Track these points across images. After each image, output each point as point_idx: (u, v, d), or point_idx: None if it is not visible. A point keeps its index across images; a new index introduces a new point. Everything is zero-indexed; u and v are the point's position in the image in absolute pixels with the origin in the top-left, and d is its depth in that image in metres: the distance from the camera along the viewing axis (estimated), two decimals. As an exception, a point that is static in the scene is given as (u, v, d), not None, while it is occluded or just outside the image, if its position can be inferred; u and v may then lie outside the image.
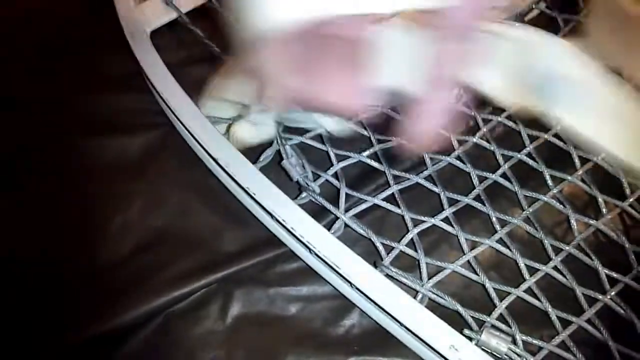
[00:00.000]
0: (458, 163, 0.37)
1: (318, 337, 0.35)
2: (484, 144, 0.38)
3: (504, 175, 0.37)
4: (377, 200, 0.35)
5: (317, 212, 0.36)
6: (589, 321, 0.33)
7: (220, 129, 0.37)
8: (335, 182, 0.36)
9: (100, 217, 0.38)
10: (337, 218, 0.35)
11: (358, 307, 0.35)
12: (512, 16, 0.42)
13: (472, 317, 0.33)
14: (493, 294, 0.33)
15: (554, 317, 0.33)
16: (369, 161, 0.37)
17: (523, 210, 0.36)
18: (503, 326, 0.32)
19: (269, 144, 0.37)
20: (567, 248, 0.35)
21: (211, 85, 0.37)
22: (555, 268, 0.34)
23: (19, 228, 0.38)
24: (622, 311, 0.33)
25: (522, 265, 0.34)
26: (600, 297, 0.33)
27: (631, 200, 0.36)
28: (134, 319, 0.35)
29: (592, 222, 0.35)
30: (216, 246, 0.37)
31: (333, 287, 0.36)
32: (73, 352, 0.34)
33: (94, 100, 0.42)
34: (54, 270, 0.37)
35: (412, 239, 0.35)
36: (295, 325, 0.36)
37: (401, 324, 0.31)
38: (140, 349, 0.35)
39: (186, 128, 0.37)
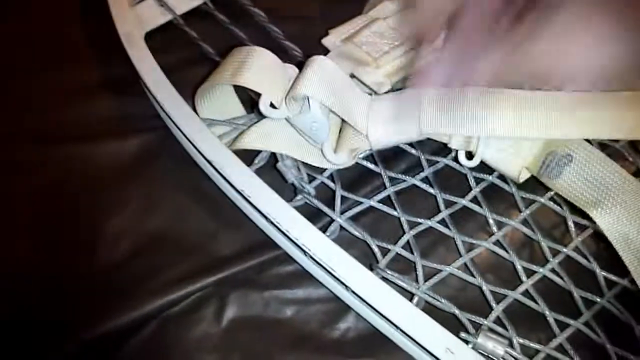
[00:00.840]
0: (455, 165, 0.37)
1: (314, 340, 0.35)
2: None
3: (501, 177, 0.36)
4: (373, 202, 0.35)
5: (313, 215, 0.35)
6: (586, 324, 0.32)
7: (215, 131, 0.37)
8: (330, 184, 0.36)
9: (94, 221, 0.38)
10: (332, 220, 0.35)
11: (354, 310, 0.35)
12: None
13: (468, 319, 0.32)
14: (490, 297, 0.33)
15: (551, 320, 0.32)
16: (364, 163, 0.36)
17: (520, 212, 0.35)
18: (500, 329, 0.32)
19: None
20: (564, 250, 0.34)
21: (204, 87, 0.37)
22: (552, 270, 0.34)
23: (13, 232, 0.38)
24: (620, 314, 0.33)
25: (519, 268, 0.34)
26: (598, 299, 0.33)
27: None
28: (130, 322, 0.35)
29: (589, 224, 0.35)
30: (211, 249, 0.37)
31: (329, 290, 0.36)
32: (69, 356, 0.34)
33: (88, 104, 0.42)
34: (48, 274, 0.36)
35: (408, 241, 0.34)
36: (291, 328, 0.35)
37: (397, 327, 0.31)
38: (136, 352, 0.35)
39: (181, 131, 0.37)
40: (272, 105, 0.34)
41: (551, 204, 0.35)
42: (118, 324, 0.35)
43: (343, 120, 0.35)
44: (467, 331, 0.32)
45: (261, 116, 0.36)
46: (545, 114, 0.32)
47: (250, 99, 0.38)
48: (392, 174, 0.37)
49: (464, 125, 0.33)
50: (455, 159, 0.37)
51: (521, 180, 0.35)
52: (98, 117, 0.42)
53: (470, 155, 0.35)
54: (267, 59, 0.35)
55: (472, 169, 0.36)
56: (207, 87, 0.37)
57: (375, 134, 0.34)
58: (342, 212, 0.35)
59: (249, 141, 0.35)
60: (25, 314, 0.36)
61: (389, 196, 0.36)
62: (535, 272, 0.34)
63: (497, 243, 0.35)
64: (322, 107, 0.33)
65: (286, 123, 0.35)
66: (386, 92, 0.36)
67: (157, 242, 0.37)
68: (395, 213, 0.35)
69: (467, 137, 0.34)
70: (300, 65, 0.35)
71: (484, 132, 0.33)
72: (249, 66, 0.35)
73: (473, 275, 0.34)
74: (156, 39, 0.41)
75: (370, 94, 0.36)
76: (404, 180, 0.36)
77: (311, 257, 0.33)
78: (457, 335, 0.31)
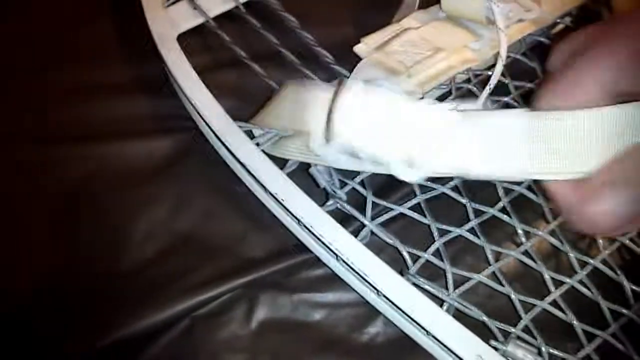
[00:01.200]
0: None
1: (342, 344, 0.35)
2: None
3: (529, 188, 0.37)
4: (404, 209, 0.36)
5: (343, 220, 0.35)
6: (613, 335, 0.33)
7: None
8: (362, 190, 0.36)
9: (125, 221, 0.38)
10: (363, 226, 0.35)
11: (383, 315, 0.35)
12: (539, 30, 0.42)
13: (497, 327, 0.33)
14: (518, 306, 0.33)
15: (579, 330, 0.33)
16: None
17: (549, 223, 0.36)
18: (528, 337, 0.33)
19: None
20: (592, 262, 0.35)
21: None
22: (580, 282, 0.34)
23: (44, 233, 0.38)
24: (646, 326, 0.33)
25: (547, 278, 0.34)
26: (624, 311, 0.34)
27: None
28: (159, 322, 0.35)
29: (618, 237, 0.36)
30: (241, 251, 0.38)
31: (358, 294, 0.36)
32: (98, 356, 0.34)
33: (121, 104, 0.43)
34: (79, 275, 0.37)
35: (437, 248, 0.35)
36: (320, 331, 0.36)
37: (428, 333, 0.32)
38: (165, 352, 0.35)
39: (214, 132, 0.37)
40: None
41: (579, 216, 0.36)
42: (148, 323, 0.35)
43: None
44: (496, 339, 0.32)
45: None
46: None
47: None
48: (422, 182, 0.37)
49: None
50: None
51: None
52: (129, 116, 0.42)
53: None
54: (318, 104, 0.32)
55: (500, 179, 0.37)
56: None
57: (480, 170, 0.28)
58: (372, 218, 0.35)
59: (291, 152, 0.35)
60: (54, 316, 0.36)
61: (419, 203, 0.36)
62: (563, 282, 0.34)
63: (526, 253, 0.35)
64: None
65: None
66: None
67: (187, 243, 0.38)
68: (425, 220, 0.36)
69: None
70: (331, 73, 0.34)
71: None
72: (302, 115, 0.33)
73: (502, 284, 0.34)
74: (188, 41, 0.41)
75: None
76: (434, 189, 0.37)
77: (343, 262, 0.33)
78: (487, 343, 0.31)
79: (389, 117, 0.30)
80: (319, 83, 0.36)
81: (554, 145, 0.24)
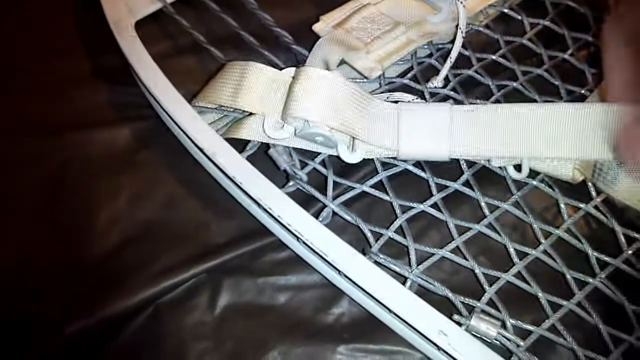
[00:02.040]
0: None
1: (308, 326, 0.35)
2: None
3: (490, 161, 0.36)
4: (366, 187, 0.35)
5: (305, 201, 0.35)
6: (579, 304, 0.33)
7: (206, 118, 0.37)
8: (322, 170, 0.36)
9: (87, 210, 0.38)
10: (325, 206, 0.35)
11: (347, 295, 0.35)
12: (501, 1, 0.42)
13: (461, 302, 0.32)
14: (482, 279, 0.33)
15: (544, 301, 0.32)
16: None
17: (512, 195, 0.35)
18: (493, 311, 0.32)
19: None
20: (556, 232, 0.34)
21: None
22: (545, 252, 0.34)
23: (8, 223, 0.38)
24: (612, 294, 0.33)
25: (511, 250, 0.34)
26: (590, 280, 0.33)
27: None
28: (124, 310, 0.35)
29: (581, 205, 0.35)
30: (204, 237, 0.37)
31: (322, 275, 0.36)
32: (63, 345, 0.34)
33: (80, 93, 0.42)
34: (40, 264, 0.36)
35: (400, 225, 0.34)
36: (285, 314, 0.35)
37: (390, 311, 0.31)
38: (130, 340, 0.35)
39: (172, 119, 0.36)
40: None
41: (542, 185, 0.36)
42: (111, 312, 0.35)
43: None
44: (460, 314, 0.32)
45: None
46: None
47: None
48: (384, 159, 0.36)
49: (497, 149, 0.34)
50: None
51: (577, 182, 0.35)
52: (90, 106, 0.42)
53: (518, 168, 0.35)
54: (264, 75, 0.35)
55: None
56: (202, 102, 0.37)
57: (408, 148, 0.34)
58: (334, 198, 0.35)
59: (246, 132, 0.35)
60: (15, 306, 0.36)
61: (381, 181, 0.36)
62: (527, 254, 0.34)
63: (489, 226, 0.35)
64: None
65: None
66: (412, 101, 0.36)
67: (150, 231, 0.37)
68: (387, 198, 0.35)
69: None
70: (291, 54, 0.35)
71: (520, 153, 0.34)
72: (248, 87, 0.35)
73: (466, 259, 0.34)
74: (147, 28, 0.41)
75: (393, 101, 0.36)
76: (396, 166, 0.36)
77: (304, 243, 0.33)
78: (450, 318, 0.31)
79: (339, 103, 0.33)
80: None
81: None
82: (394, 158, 0.35)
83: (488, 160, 0.35)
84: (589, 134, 0.33)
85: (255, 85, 0.35)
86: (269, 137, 0.34)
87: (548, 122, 0.33)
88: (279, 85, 0.35)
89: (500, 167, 0.36)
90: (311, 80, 0.33)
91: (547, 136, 0.33)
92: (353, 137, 0.34)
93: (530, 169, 0.35)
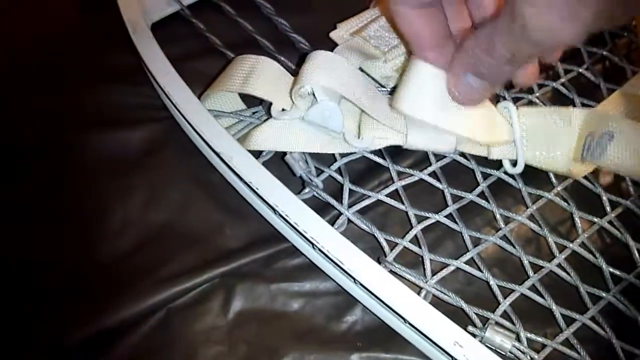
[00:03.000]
0: (462, 160, 0.37)
1: (320, 333, 0.35)
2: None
3: (507, 173, 0.36)
4: (381, 196, 0.35)
5: (320, 208, 0.35)
6: (592, 319, 0.33)
7: (222, 122, 0.37)
8: (338, 177, 0.36)
9: (101, 212, 0.38)
10: (340, 214, 0.35)
11: (361, 303, 0.35)
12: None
13: (475, 313, 0.32)
14: (497, 291, 0.33)
15: (557, 315, 0.33)
16: (372, 157, 0.36)
17: (527, 208, 0.35)
18: (507, 323, 0.32)
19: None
20: (571, 246, 0.35)
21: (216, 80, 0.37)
22: (559, 265, 0.34)
23: (18, 223, 0.38)
24: (625, 309, 0.33)
25: (526, 263, 0.34)
26: (604, 294, 0.33)
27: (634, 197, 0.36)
28: (135, 313, 0.35)
29: (596, 219, 0.35)
30: (218, 241, 0.37)
31: (336, 283, 0.36)
32: (74, 347, 0.34)
33: (95, 94, 0.42)
34: (54, 265, 0.36)
35: (415, 235, 0.34)
36: (298, 321, 0.35)
37: (405, 321, 0.31)
38: (141, 343, 0.34)
39: (188, 122, 0.36)
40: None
41: (558, 199, 0.36)
42: (124, 315, 0.35)
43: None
44: (474, 325, 0.32)
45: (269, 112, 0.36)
46: None
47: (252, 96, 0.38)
48: (400, 168, 0.37)
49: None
50: (462, 154, 0.37)
51: (579, 177, 0.36)
52: (105, 106, 0.42)
53: (514, 163, 0.35)
54: (273, 69, 0.36)
55: (479, 164, 0.36)
56: (213, 93, 0.38)
57: (415, 140, 0.34)
58: (349, 206, 0.35)
59: (260, 142, 0.35)
60: (29, 308, 0.36)
61: (396, 190, 0.36)
62: (541, 267, 0.34)
63: (504, 238, 0.35)
64: (328, 93, 0.33)
65: (295, 122, 0.35)
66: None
67: (163, 234, 0.37)
68: (402, 207, 0.35)
69: (506, 147, 0.35)
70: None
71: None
72: (257, 76, 0.35)
73: (480, 270, 0.34)
74: (163, 30, 0.41)
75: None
76: (412, 175, 0.36)
77: (319, 250, 0.33)
78: (465, 329, 0.31)
79: (347, 80, 0.33)
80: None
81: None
82: (414, 161, 0.35)
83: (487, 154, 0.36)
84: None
85: (265, 75, 0.35)
86: (277, 118, 0.35)
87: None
88: (289, 79, 0.35)
89: (514, 179, 0.36)
90: (320, 56, 0.34)
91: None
92: (359, 126, 0.35)
93: (527, 165, 0.35)
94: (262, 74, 0.35)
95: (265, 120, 0.36)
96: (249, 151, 0.35)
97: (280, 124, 0.35)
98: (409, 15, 0.29)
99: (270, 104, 0.35)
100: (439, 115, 0.31)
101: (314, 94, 0.33)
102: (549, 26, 0.22)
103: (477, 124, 0.32)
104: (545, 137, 0.34)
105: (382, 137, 0.35)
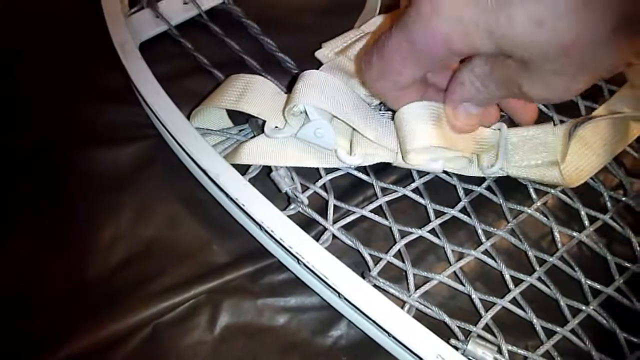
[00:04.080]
0: (445, 176, 0.37)
1: (306, 348, 0.35)
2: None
3: (489, 188, 0.37)
4: (365, 211, 0.36)
5: (306, 224, 0.36)
6: (572, 331, 0.33)
7: (209, 140, 0.38)
8: (323, 193, 0.36)
9: (89, 228, 0.38)
10: (325, 229, 0.35)
11: (346, 318, 0.36)
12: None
13: (458, 326, 0.33)
14: (479, 304, 0.34)
15: (538, 327, 0.33)
16: (357, 173, 0.37)
17: (508, 222, 0.36)
18: (489, 336, 0.33)
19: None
20: (550, 259, 0.35)
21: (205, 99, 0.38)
22: (539, 279, 0.35)
23: (6, 239, 0.38)
24: (604, 321, 0.34)
25: (507, 276, 0.35)
26: (583, 307, 0.34)
27: (612, 213, 0.37)
28: (123, 329, 0.35)
29: (575, 234, 0.36)
30: (205, 257, 0.38)
31: (321, 297, 0.36)
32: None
33: (83, 112, 0.43)
34: (40, 281, 0.36)
35: (399, 250, 0.35)
36: (284, 335, 0.36)
37: (389, 334, 0.32)
38: (129, 359, 0.35)
39: (176, 140, 0.37)
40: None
41: (538, 214, 0.36)
42: (109, 331, 0.35)
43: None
44: (457, 338, 0.33)
45: (258, 129, 0.37)
46: None
47: (239, 113, 0.38)
48: (384, 185, 0.37)
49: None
50: (445, 171, 0.37)
51: (572, 184, 0.36)
52: (94, 124, 0.42)
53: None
54: (267, 87, 0.36)
55: (461, 180, 0.37)
56: (205, 109, 0.38)
57: (415, 160, 0.34)
58: (334, 222, 0.35)
59: (252, 155, 0.36)
60: (13, 324, 0.36)
61: (380, 206, 0.36)
62: (522, 280, 0.35)
63: (486, 252, 0.36)
64: (319, 112, 0.34)
65: (288, 138, 0.36)
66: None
67: (150, 250, 0.38)
68: (386, 222, 0.36)
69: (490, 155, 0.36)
70: (293, 79, 0.36)
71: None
72: (252, 93, 0.36)
73: (462, 284, 0.34)
74: (151, 49, 0.41)
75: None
76: (395, 191, 0.37)
77: (304, 265, 0.33)
78: (448, 342, 0.31)
79: (339, 98, 0.34)
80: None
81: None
82: (397, 177, 0.36)
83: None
84: None
85: (259, 93, 0.36)
86: (271, 137, 0.35)
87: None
88: (282, 97, 0.36)
89: (495, 195, 0.37)
90: (312, 76, 0.34)
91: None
92: (351, 142, 0.35)
93: (512, 178, 0.36)
94: (256, 92, 0.36)
95: (251, 138, 0.37)
96: (236, 168, 0.35)
97: (264, 142, 0.36)
98: (394, 94, 0.31)
99: (258, 120, 0.36)
100: (441, 139, 0.32)
101: (306, 113, 0.34)
102: (546, 97, 0.25)
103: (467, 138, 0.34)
104: (530, 148, 0.35)
105: (373, 153, 0.35)
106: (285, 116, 0.34)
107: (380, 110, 0.37)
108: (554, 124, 0.36)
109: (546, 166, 0.35)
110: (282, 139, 0.36)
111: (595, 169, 0.37)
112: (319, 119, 0.34)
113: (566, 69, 0.23)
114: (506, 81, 0.26)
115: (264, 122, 0.36)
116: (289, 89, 0.38)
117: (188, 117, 0.37)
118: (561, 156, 0.34)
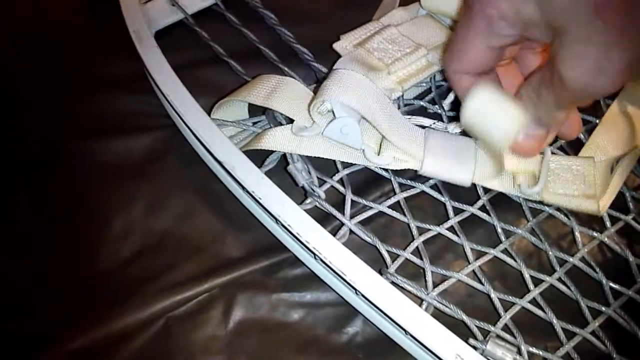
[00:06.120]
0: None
1: (321, 344, 0.35)
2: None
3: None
4: (383, 207, 0.35)
5: (322, 218, 0.35)
6: (593, 333, 0.33)
7: (225, 132, 0.37)
8: (341, 188, 0.36)
9: (102, 219, 0.38)
10: (342, 224, 0.35)
11: (362, 315, 0.35)
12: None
13: (477, 326, 0.33)
14: (498, 304, 0.33)
15: (558, 329, 0.33)
16: (374, 168, 0.36)
17: (528, 222, 0.36)
18: (508, 336, 0.32)
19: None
20: (571, 260, 0.35)
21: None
22: (559, 279, 0.34)
23: (19, 230, 0.38)
24: (625, 323, 0.33)
25: (526, 276, 0.34)
26: (604, 309, 0.34)
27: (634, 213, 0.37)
28: (135, 322, 0.35)
29: (596, 234, 0.36)
30: (219, 250, 0.37)
31: (337, 293, 0.36)
32: (74, 353, 0.34)
33: (98, 102, 0.42)
34: (54, 273, 0.36)
35: (417, 247, 0.35)
36: (298, 331, 0.35)
37: (406, 332, 0.31)
38: (141, 352, 0.34)
39: (191, 130, 0.36)
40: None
41: (558, 214, 0.36)
42: (124, 324, 0.35)
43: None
44: (475, 338, 0.32)
45: (275, 122, 0.36)
46: None
47: (255, 108, 0.38)
48: (402, 180, 0.37)
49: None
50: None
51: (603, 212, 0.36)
52: (108, 114, 0.42)
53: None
54: (298, 88, 0.36)
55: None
56: (230, 102, 0.38)
57: (432, 164, 0.34)
58: (351, 217, 0.35)
59: (268, 143, 0.35)
60: (27, 316, 0.35)
61: (398, 202, 0.36)
62: (542, 280, 0.34)
63: (505, 251, 0.35)
64: (347, 110, 0.33)
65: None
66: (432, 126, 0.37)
67: (164, 242, 0.37)
68: (404, 219, 0.35)
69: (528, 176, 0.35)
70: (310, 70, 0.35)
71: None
72: (282, 93, 0.35)
73: (481, 283, 0.34)
74: (167, 38, 0.41)
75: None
76: (414, 187, 0.36)
77: (321, 261, 0.33)
78: (466, 342, 0.31)
79: (366, 98, 0.33)
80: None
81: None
82: (415, 173, 0.35)
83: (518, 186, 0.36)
84: None
85: (290, 92, 0.35)
86: (299, 135, 0.35)
87: None
88: (310, 98, 0.35)
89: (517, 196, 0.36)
90: (341, 74, 0.33)
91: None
92: (380, 143, 0.35)
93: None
94: (287, 91, 0.36)
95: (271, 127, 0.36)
96: (251, 160, 0.35)
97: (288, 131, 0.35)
98: (464, 81, 0.30)
99: (275, 113, 0.35)
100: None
101: (333, 112, 0.33)
102: (582, 80, 0.24)
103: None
104: (567, 178, 0.35)
105: (402, 159, 0.35)
106: (311, 113, 0.34)
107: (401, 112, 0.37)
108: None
109: (582, 197, 0.34)
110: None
111: None
112: (345, 116, 0.33)
113: (598, 36, 0.23)
114: (552, 76, 0.26)
115: (282, 115, 0.36)
116: (305, 81, 0.37)
117: (204, 108, 0.37)
118: (600, 190, 0.34)
